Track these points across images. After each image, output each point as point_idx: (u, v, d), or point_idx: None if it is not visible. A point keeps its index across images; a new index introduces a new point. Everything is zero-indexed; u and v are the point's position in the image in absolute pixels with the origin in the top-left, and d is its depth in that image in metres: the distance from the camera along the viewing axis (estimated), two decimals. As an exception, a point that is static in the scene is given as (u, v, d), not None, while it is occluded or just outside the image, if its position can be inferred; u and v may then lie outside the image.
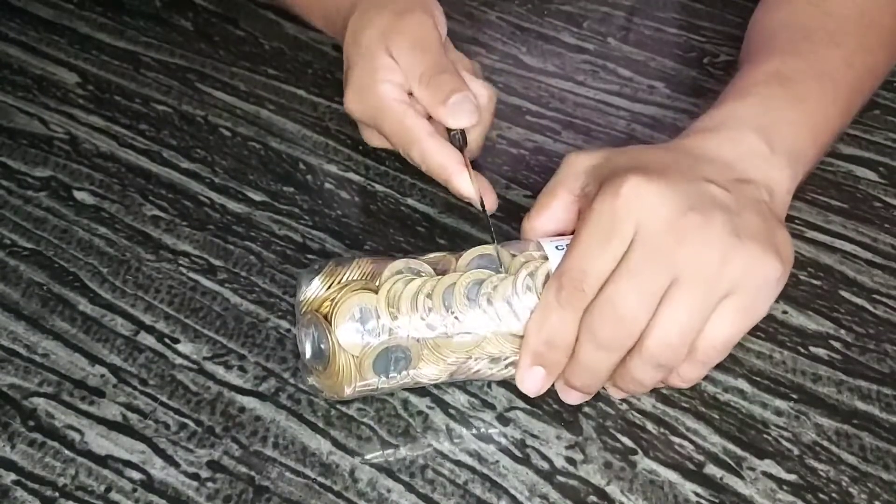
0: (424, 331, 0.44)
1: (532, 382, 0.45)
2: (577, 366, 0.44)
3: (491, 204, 0.53)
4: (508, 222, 0.57)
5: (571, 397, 0.46)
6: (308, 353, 0.45)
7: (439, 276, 0.45)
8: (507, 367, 0.46)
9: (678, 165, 0.45)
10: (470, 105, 0.53)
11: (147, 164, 0.61)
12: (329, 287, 0.45)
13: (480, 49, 0.71)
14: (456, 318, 0.44)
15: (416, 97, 0.54)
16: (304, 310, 0.45)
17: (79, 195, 0.59)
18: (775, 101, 0.50)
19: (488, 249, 0.46)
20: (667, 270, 0.41)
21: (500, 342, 0.45)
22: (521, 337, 0.45)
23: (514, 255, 0.46)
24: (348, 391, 0.45)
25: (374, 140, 0.58)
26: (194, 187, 0.60)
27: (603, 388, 0.47)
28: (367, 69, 0.54)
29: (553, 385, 0.46)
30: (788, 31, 0.55)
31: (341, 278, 0.45)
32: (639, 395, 0.47)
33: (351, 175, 0.61)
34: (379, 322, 0.44)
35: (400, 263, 0.46)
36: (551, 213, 0.47)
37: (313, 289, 0.46)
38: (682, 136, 0.49)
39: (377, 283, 0.45)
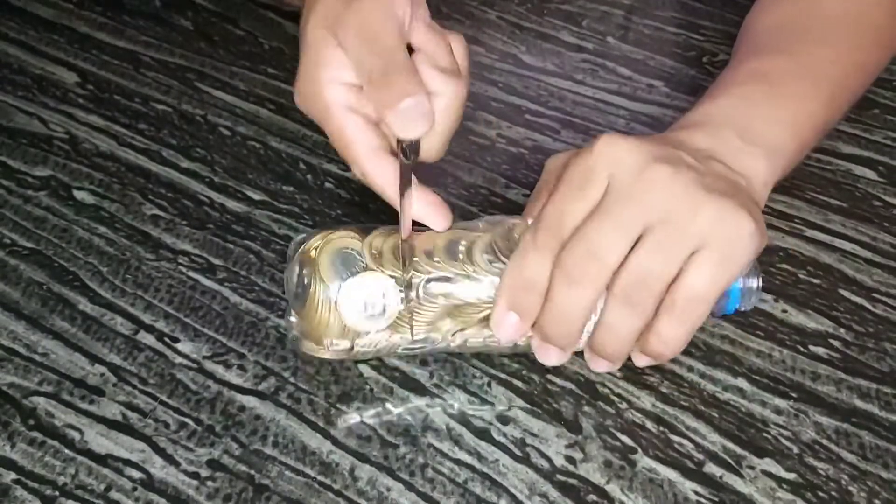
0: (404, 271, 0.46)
1: (507, 328, 0.45)
2: (552, 308, 0.44)
3: (440, 223, 0.48)
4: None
5: (550, 355, 0.46)
6: (292, 293, 0.47)
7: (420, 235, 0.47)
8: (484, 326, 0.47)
9: (653, 140, 0.46)
10: (420, 111, 0.44)
11: (147, 164, 0.61)
12: (316, 238, 0.48)
13: (480, 48, 0.71)
14: (435, 262, 0.46)
15: (364, 94, 0.47)
16: (293, 256, 0.47)
17: (78, 194, 0.59)
18: (752, 99, 0.51)
19: (471, 224, 0.48)
20: (639, 214, 0.43)
21: (480, 290, 0.46)
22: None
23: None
24: (326, 341, 0.46)
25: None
26: (194, 186, 0.60)
27: (581, 358, 0.47)
28: (313, 64, 0.48)
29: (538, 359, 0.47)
30: (775, 30, 0.56)
31: (329, 232, 0.48)
32: (615, 359, 0.46)
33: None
34: (361, 262, 0.46)
35: (386, 228, 0.47)
36: (537, 211, 0.48)
37: (305, 241, 0.48)
38: (662, 134, 0.50)
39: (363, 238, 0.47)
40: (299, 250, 0.47)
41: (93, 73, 0.67)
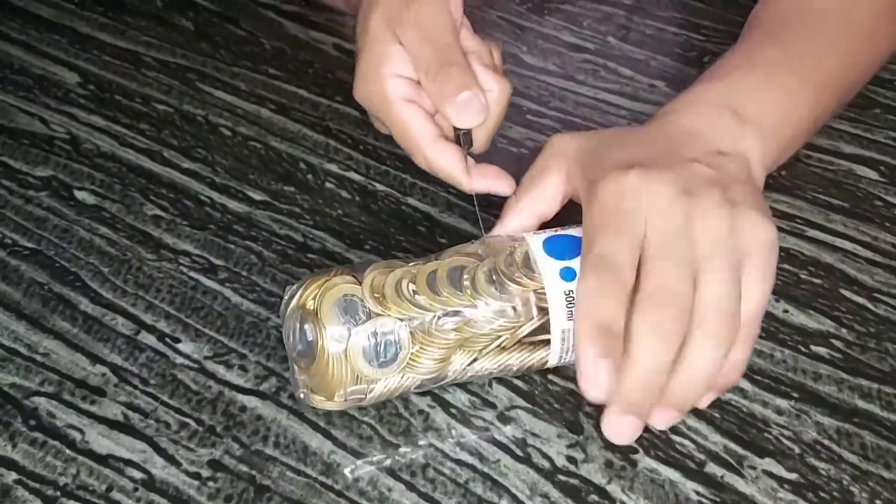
0: (412, 311, 0.44)
1: (602, 380, 0.39)
2: (635, 370, 0.40)
3: (507, 188, 0.51)
4: (509, 221, 0.57)
5: (626, 428, 0.40)
6: (295, 350, 0.45)
7: (419, 265, 0.46)
8: (505, 355, 0.46)
9: (661, 151, 0.46)
10: (477, 104, 0.50)
11: (148, 164, 0.61)
12: (311, 289, 0.45)
13: (481, 48, 0.71)
14: (442, 298, 0.45)
15: (423, 87, 0.52)
16: (288, 312, 0.46)
17: (80, 195, 0.59)
18: (744, 83, 0.51)
19: (469, 248, 0.47)
20: (688, 248, 0.41)
21: (490, 320, 0.45)
22: (512, 310, 0.45)
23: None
24: (339, 393, 0.45)
25: (382, 128, 0.57)
26: (195, 187, 0.60)
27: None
28: (374, 58, 0.52)
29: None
30: (768, 24, 0.57)
31: (322, 280, 0.46)
32: (691, 404, 0.43)
33: (352, 174, 0.61)
34: (364, 307, 0.44)
35: (379, 264, 0.46)
36: (538, 192, 0.49)
37: (295, 293, 0.46)
38: (654, 118, 0.50)
39: (360, 279, 0.46)
40: (293, 304, 0.45)
41: (94, 74, 0.67)
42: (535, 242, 0.46)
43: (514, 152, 0.63)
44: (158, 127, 0.64)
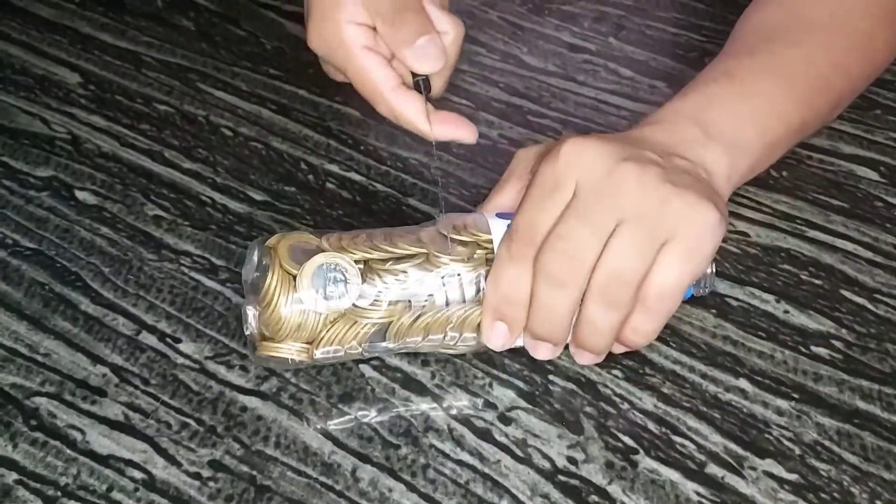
0: (364, 253, 0.46)
1: (497, 338, 0.47)
2: (537, 311, 0.45)
3: (470, 135, 0.53)
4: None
5: (541, 351, 0.47)
6: (249, 280, 0.47)
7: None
8: (451, 308, 0.47)
9: (616, 139, 0.48)
10: (436, 49, 0.51)
11: (149, 164, 0.61)
12: (272, 238, 0.48)
13: (481, 48, 0.71)
14: (395, 245, 0.47)
15: (379, 33, 0.52)
16: (248, 250, 0.48)
17: (80, 195, 0.59)
18: (718, 97, 0.52)
19: (424, 236, 0.48)
20: (610, 213, 0.44)
21: (439, 265, 0.46)
22: (460, 258, 0.47)
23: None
24: (285, 331, 0.46)
25: (337, 76, 0.57)
26: (196, 187, 0.60)
27: (567, 352, 0.48)
28: (329, 4, 0.52)
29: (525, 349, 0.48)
30: (754, 32, 0.57)
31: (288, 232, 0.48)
32: (598, 351, 0.47)
33: (352, 175, 0.61)
34: (319, 248, 0.46)
35: (321, 258, 0.46)
36: (501, 198, 0.50)
37: (258, 244, 0.48)
38: (627, 133, 0.51)
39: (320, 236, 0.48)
40: (254, 244, 0.48)
41: (95, 74, 0.67)
42: (489, 213, 0.49)
43: (514, 153, 0.62)
44: (159, 127, 0.64)
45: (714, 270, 0.49)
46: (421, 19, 0.51)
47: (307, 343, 0.47)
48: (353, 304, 0.46)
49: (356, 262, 0.46)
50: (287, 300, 0.45)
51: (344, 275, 0.45)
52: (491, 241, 0.47)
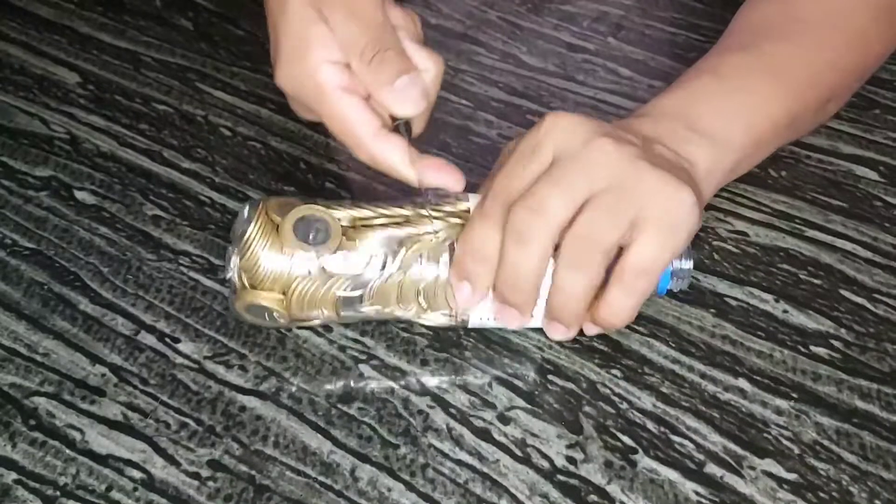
0: (346, 210, 0.47)
1: (461, 296, 0.47)
2: (502, 269, 0.45)
3: (457, 183, 0.49)
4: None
5: (510, 318, 0.47)
6: (238, 230, 0.47)
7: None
8: (424, 265, 0.47)
9: (600, 122, 0.48)
10: (417, 90, 0.47)
11: (148, 164, 0.61)
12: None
13: (480, 48, 0.71)
14: (375, 207, 0.48)
15: (355, 72, 0.48)
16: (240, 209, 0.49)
17: (79, 195, 0.59)
18: (704, 93, 0.52)
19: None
20: (583, 179, 0.44)
21: (417, 224, 0.47)
22: (438, 221, 0.47)
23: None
24: (264, 274, 0.46)
25: (306, 115, 0.52)
26: (195, 187, 0.60)
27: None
28: (300, 42, 0.48)
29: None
30: (746, 29, 0.58)
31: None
32: (569, 322, 0.47)
33: (351, 174, 0.61)
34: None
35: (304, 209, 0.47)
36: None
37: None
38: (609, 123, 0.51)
39: None
40: (247, 204, 0.49)
41: (94, 74, 0.67)
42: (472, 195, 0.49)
43: (513, 152, 0.63)
44: (158, 127, 0.64)
45: (691, 266, 0.49)
46: (400, 58, 0.47)
47: (284, 294, 0.47)
48: (329, 257, 0.47)
49: (338, 219, 0.47)
50: (267, 243, 0.46)
51: (325, 226, 0.47)
52: (468, 211, 0.48)
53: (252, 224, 0.47)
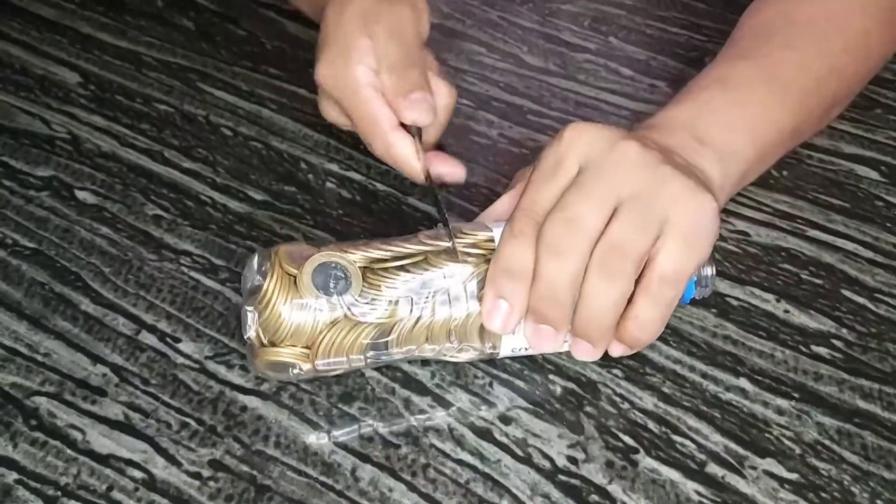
0: (363, 252, 0.46)
1: (498, 317, 0.45)
2: (539, 284, 0.45)
3: (459, 175, 0.56)
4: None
5: (543, 337, 0.46)
6: (250, 283, 0.46)
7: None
8: (450, 307, 0.46)
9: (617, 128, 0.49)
10: (427, 105, 0.54)
11: (149, 164, 0.61)
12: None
13: (482, 48, 0.71)
14: (393, 245, 0.47)
15: (381, 80, 0.55)
16: (246, 263, 0.48)
17: (80, 195, 0.59)
18: (712, 105, 0.53)
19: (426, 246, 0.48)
20: (612, 187, 0.45)
21: (440, 264, 0.46)
22: (460, 254, 0.47)
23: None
24: (284, 331, 0.45)
25: (331, 114, 0.58)
26: (196, 187, 0.60)
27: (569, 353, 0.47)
28: (344, 46, 0.55)
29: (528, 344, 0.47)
30: (750, 35, 0.58)
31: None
32: (597, 339, 0.46)
33: (352, 174, 0.61)
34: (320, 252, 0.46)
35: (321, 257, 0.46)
36: (499, 206, 0.50)
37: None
38: None
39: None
40: (256, 255, 0.47)
41: (95, 74, 0.67)
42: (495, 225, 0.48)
43: (514, 152, 0.63)
44: (159, 127, 0.64)
45: (714, 273, 0.49)
46: (421, 77, 0.54)
47: (306, 348, 0.46)
48: (353, 305, 0.45)
49: (355, 262, 0.46)
50: (286, 298, 0.45)
51: (344, 272, 0.45)
52: (491, 240, 0.47)
53: (268, 280, 0.45)
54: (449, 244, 0.47)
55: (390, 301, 0.46)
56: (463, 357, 0.48)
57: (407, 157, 0.54)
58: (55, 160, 0.61)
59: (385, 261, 0.46)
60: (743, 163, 0.52)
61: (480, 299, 0.46)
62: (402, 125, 0.55)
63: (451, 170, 0.56)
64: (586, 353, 0.46)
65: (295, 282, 0.45)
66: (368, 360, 0.47)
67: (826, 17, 0.57)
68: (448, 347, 0.47)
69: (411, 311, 0.46)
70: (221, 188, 0.60)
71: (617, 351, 0.47)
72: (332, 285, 0.45)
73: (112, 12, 0.73)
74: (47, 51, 0.69)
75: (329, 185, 0.60)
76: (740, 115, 0.53)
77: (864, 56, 0.58)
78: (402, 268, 0.46)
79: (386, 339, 0.46)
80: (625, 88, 0.67)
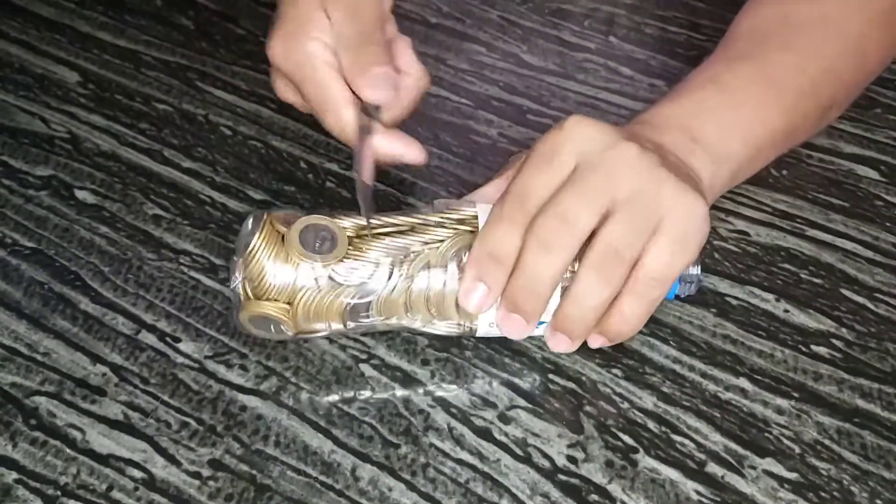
0: (352, 220, 0.48)
1: (475, 297, 0.46)
2: (520, 273, 0.45)
3: (417, 156, 0.53)
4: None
5: (514, 326, 0.46)
6: (243, 241, 0.47)
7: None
8: (441, 286, 0.47)
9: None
10: (389, 82, 0.51)
11: (148, 163, 0.61)
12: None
13: (481, 47, 0.71)
14: (380, 217, 0.48)
15: (339, 57, 0.52)
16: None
17: (80, 194, 0.59)
18: (706, 105, 0.53)
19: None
20: (608, 187, 0.45)
21: (422, 232, 0.47)
22: (443, 227, 0.47)
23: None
24: (268, 283, 0.46)
25: (286, 94, 0.56)
26: (195, 186, 0.60)
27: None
28: (299, 21, 0.53)
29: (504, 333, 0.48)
30: (746, 35, 0.57)
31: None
32: (577, 334, 0.46)
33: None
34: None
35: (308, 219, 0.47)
36: (488, 189, 0.51)
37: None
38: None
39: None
40: (251, 217, 0.48)
41: (94, 73, 0.67)
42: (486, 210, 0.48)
43: (514, 152, 0.62)
44: (159, 126, 0.64)
45: (699, 271, 0.49)
46: (381, 53, 0.52)
47: (289, 303, 0.47)
48: (336, 266, 0.46)
49: (344, 228, 0.47)
50: (272, 253, 0.46)
51: (332, 235, 0.47)
52: (475, 217, 0.48)
53: (257, 235, 0.46)
54: (432, 217, 0.48)
55: (372, 265, 0.47)
56: (441, 330, 0.49)
57: (356, 135, 0.52)
58: (54, 159, 0.61)
59: (373, 229, 0.47)
60: (735, 163, 0.52)
61: (461, 271, 0.47)
62: (362, 105, 0.52)
63: (407, 150, 0.53)
64: (563, 347, 0.47)
65: (283, 240, 0.46)
66: (349, 325, 0.48)
67: (823, 19, 0.56)
68: (425, 318, 0.48)
69: (391, 276, 0.47)
70: (221, 187, 0.60)
71: (597, 343, 0.48)
72: (317, 245, 0.46)
73: (111, 11, 0.73)
74: (46, 50, 0.69)
75: (329, 184, 0.60)
76: (735, 116, 0.53)
77: (861, 59, 0.57)
78: (387, 234, 0.47)
79: (367, 301, 0.47)
80: (625, 88, 0.67)
